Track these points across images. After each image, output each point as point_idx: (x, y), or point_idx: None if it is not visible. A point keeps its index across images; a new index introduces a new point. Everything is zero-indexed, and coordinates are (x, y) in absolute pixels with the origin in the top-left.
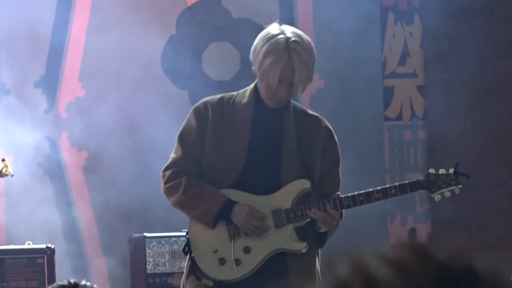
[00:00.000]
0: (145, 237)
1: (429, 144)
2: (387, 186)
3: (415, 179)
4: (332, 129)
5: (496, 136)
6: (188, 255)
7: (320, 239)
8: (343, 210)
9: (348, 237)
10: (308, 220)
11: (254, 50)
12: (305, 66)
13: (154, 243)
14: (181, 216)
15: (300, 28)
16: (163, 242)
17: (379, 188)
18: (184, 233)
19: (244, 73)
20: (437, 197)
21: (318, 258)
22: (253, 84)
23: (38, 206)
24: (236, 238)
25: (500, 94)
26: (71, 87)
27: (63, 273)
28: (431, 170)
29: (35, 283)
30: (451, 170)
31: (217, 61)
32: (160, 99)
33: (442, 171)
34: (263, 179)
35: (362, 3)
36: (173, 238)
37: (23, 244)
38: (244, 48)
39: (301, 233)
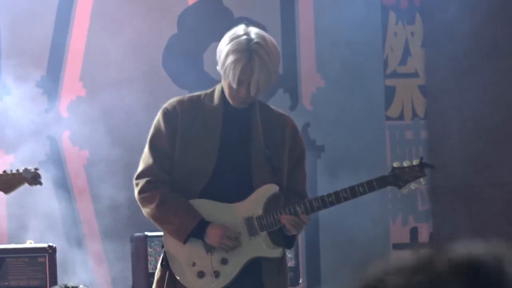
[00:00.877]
0: (146, 236)
1: (431, 144)
2: (355, 185)
3: (381, 175)
4: (296, 124)
5: (497, 135)
6: (163, 268)
7: (290, 241)
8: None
9: (350, 237)
10: (280, 225)
11: (219, 49)
12: (265, 68)
13: (156, 242)
14: None
15: (301, 27)
16: None
17: (347, 187)
18: None
19: None
20: (404, 191)
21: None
22: (220, 85)
23: (40, 205)
24: (212, 251)
25: (502, 93)
26: (72, 86)
27: (65, 272)
28: (396, 164)
29: (37, 282)
30: (415, 162)
31: None
32: (161, 98)
33: (406, 163)
34: (235, 183)
35: (363, 2)
36: None
37: (25, 243)
38: None
39: (275, 237)
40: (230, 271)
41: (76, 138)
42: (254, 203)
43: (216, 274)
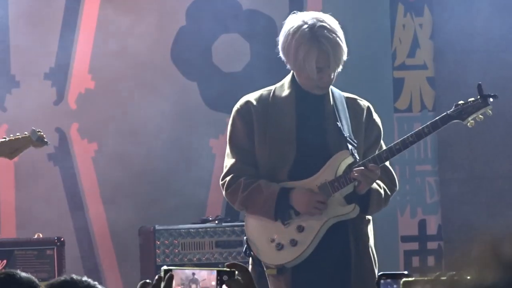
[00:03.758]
0: (155, 228)
1: (439, 136)
2: (420, 128)
3: (445, 113)
4: (373, 111)
5: (506, 127)
6: (247, 256)
7: (364, 204)
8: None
9: None
10: (352, 183)
11: (283, 48)
12: (337, 46)
13: (164, 235)
14: (191, 208)
15: None
16: (173, 234)
17: (412, 132)
18: (193, 225)
19: (254, 65)
20: (470, 123)
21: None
22: (289, 76)
23: (48, 198)
24: (288, 221)
25: (510, 86)
26: (81, 78)
27: (73, 265)
28: (460, 102)
29: (45, 275)
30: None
31: (227, 52)
32: (169, 90)
33: (471, 99)
34: (317, 161)
35: None
36: (183, 230)
37: (33, 235)
38: (254, 39)
39: (349, 199)
40: (307, 237)
41: (84, 130)
42: (327, 170)
43: (293, 243)
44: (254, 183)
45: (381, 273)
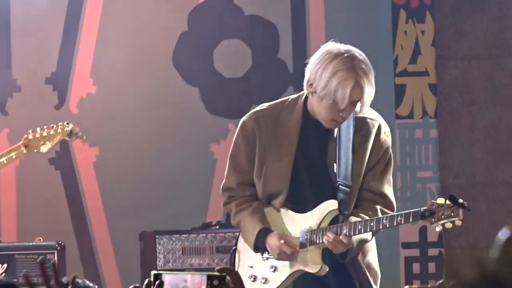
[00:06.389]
0: (155, 233)
1: (441, 143)
2: (395, 214)
3: (419, 209)
4: (384, 130)
5: (507, 134)
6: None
7: (342, 254)
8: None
9: None
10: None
11: (316, 70)
12: (371, 87)
13: (165, 239)
14: (192, 213)
15: (311, 25)
16: (173, 238)
17: (385, 215)
18: (194, 230)
19: (255, 70)
20: (438, 228)
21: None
22: (302, 98)
23: (49, 202)
24: (266, 256)
25: (511, 92)
26: (82, 83)
27: (74, 269)
28: (439, 200)
29: None
30: (449, 202)
31: (229, 58)
32: (171, 95)
33: (441, 200)
34: (310, 203)
35: (374, 0)
36: (184, 235)
37: (34, 240)
38: (255, 45)
39: (328, 251)
40: (276, 280)
41: (85, 135)
42: (315, 216)
43: (264, 280)
44: (243, 210)
45: None
